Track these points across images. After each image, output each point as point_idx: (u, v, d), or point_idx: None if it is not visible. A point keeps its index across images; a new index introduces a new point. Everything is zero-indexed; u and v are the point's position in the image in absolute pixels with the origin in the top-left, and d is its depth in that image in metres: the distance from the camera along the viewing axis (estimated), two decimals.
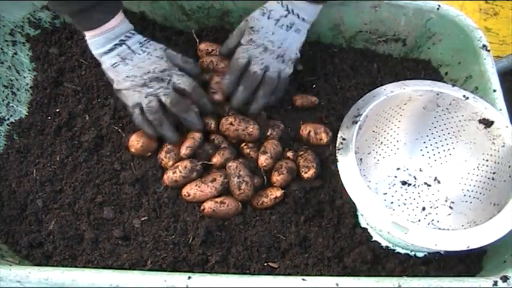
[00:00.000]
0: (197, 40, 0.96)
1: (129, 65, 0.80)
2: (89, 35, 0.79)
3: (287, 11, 0.85)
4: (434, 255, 0.76)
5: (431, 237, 0.67)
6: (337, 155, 0.75)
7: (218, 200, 0.77)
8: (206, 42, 0.96)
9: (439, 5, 0.96)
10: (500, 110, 0.83)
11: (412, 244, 0.67)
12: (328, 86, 0.96)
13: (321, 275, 0.71)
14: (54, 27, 0.97)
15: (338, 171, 0.74)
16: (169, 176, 0.78)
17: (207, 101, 0.82)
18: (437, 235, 0.67)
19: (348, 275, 0.71)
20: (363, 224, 0.79)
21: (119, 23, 0.80)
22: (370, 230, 0.78)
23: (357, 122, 0.77)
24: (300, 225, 0.79)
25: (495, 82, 0.87)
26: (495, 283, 0.66)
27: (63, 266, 0.71)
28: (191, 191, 0.77)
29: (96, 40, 0.79)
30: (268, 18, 0.85)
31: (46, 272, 0.64)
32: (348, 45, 1.04)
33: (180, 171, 0.78)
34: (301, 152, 0.84)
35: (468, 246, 0.66)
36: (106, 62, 0.80)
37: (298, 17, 0.85)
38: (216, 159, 0.81)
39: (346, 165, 0.73)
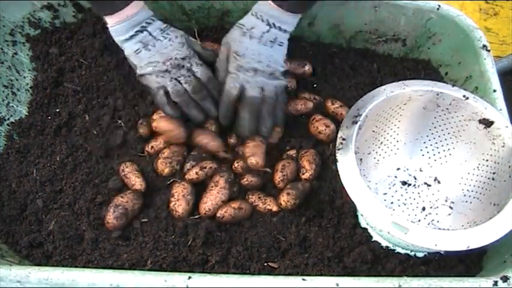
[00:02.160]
0: (198, 40, 0.96)
1: (152, 50, 0.81)
2: (111, 23, 0.80)
3: (268, 25, 0.84)
4: (434, 255, 0.76)
5: (431, 237, 0.67)
6: (337, 155, 0.75)
7: (236, 205, 0.78)
8: (207, 42, 0.96)
9: (439, 5, 0.96)
10: (500, 110, 0.83)
11: (412, 244, 0.67)
12: (328, 86, 0.96)
13: (321, 275, 0.71)
14: (54, 27, 0.97)
15: (338, 171, 0.74)
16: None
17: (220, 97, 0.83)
18: (437, 235, 0.67)
19: (348, 275, 0.71)
20: (363, 224, 0.79)
21: (139, 9, 0.81)
22: (370, 230, 0.78)
23: (356, 122, 0.77)
24: (300, 225, 0.79)
25: (495, 82, 0.87)
26: (495, 283, 0.66)
27: (63, 266, 0.70)
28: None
29: (117, 28, 0.80)
30: (250, 38, 0.83)
31: (46, 272, 0.64)
32: (348, 45, 1.04)
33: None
34: (304, 152, 0.85)
35: (468, 246, 0.66)
36: (128, 49, 0.81)
37: (280, 29, 0.84)
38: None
39: (346, 166, 0.73)
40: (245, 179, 0.81)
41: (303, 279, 0.65)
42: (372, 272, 0.74)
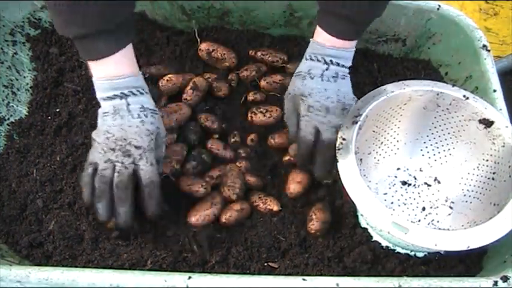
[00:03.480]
0: (198, 40, 0.96)
1: (116, 121, 0.73)
2: (95, 77, 0.74)
3: (326, 63, 0.79)
4: (435, 255, 0.76)
5: (431, 237, 0.67)
6: (337, 155, 0.75)
7: (238, 207, 0.78)
8: (207, 42, 0.96)
9: (439, 5, 0.96)
10: (500, 110, 0.83)
11: (412, 244, 0.67)
12: None
13: (321, 275, 0.71)
14: (54, 27, 0.97)
15: (338, 171, 0.74)
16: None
17: (154, 205, 0.72)
18: (437, 235, 0.67)
19: (348, 275, 0.71)
20: (363, 224, 0.79)
21: (129, 74, 0.73)
22: (370, 230, 0.78)
23: (357, 122, 0.77)
24: (300, 225, 0.79)
25: (495, 82, 0.87)
26: (495, 283, 0.66)
27: (63, 266, 0.70)
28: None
29: (99, 84, 0.73)
30: (311, 78, 0.79)
31: (46, 272, 0.64)
32: None
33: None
34: None
35: (468, 246, 0.66)
36: (101, 108, 0.75)
37: (338, 65, 0.80)
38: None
39: (346, 166, 0.73)
40: (246, 179, 0.81)
41: (303, 279, 0.65)
42: (372, 272, 0.74)
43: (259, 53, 0.97)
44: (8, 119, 0.88)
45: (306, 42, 1.01)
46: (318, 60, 0.79)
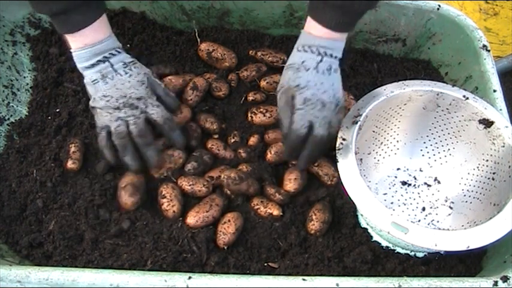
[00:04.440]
0: (198, 40, 0.96)
1: (108, 84, 0.77)
2: (73, 47, 0.76)
3: (320, 55, 0.76)
4: (434, 256, 0.76)
5: (431, 237, 0.67)
6: (337, 155, 0.75)
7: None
8: (207, 42, 0.96)
9: (439, 5, 0.96)
10: (501, 110, 0.83)
11: (412, 244, 0.67)
12: None
13: (321, 275, 0.71)
14: (54, 27, 0.97)
15: (338, 171, 0.74)
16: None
17: (179, 135, 0.81)
18: (437, 235, 0.67)
19: (348, 275, 0.71)
20: (363, 224, 0.79)
21: (105, 37, 0.77)
22: (370, 230, 0.78)
23: (357, 122, 0.77)
24: (300, 225, 0.79)
25: (495, 82, 0.88)
26: (495, 283, 0.66)
27: (63, 266, 0.70)
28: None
29: (79, 53, 0.76)
30: (307, 70, 0.76)
31: (46, 272, 0.64)
32: (348, 45, 1.03)
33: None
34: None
35: (468, 247, 0.66)
36: (87, 77, 0.78)
37: (331, 56, 0.77)
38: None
39: (346, 166, 0.73)
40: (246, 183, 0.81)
41: (303, 279, 0.65)
42: (371, 272, 0.74)
43: (259, 53, 0.97)
44: (8, 119, 0.88)
45: None
46: (312, 52, 0.77)
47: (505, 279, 0.67)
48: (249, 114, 0.90)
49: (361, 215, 0.79)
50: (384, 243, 0.76)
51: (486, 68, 0.90)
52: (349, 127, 0.77)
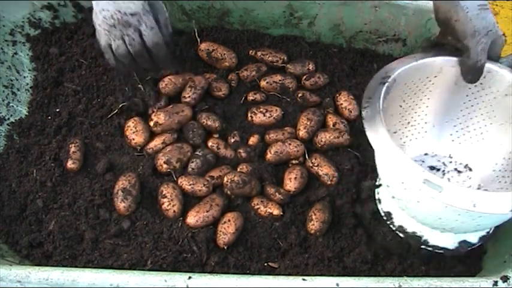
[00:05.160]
0: (198, 40, 0.96)
1: None
2: None
3: None
4: (465, 251, 0.72)
5: (469, 197, 0.58)
6: (362, 113, 0.69)
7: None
8: (207, 42, 0.96)
9: None
10: None
11: (447, 205, 0.59)
12: (328, 85, 0.97)
13: (321, 275, 0.71)
14: (54, 27, 0.97)
15: (365, 131, 0.68)
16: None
17: (168, 63, 0.81)
18: (475, 195, 0.59)
19: (348, 275, 0.71)
20: (385, 208, 0.75)
21: None
22: (394, 215, 0.73)
23: (384, 83, 0.71)
24: (300, 225, 0.79)
25: None
26: (495, 283, 0.66)
27: (63, 266, 0.70)
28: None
29: None
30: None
31: (46, 272, 0.64)
32: (348, 45, 1.04)
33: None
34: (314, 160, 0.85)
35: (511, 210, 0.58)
36: None
37: None
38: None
39: (372, 123, 0.67)
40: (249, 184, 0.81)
41: (303, 279, 0.65)
42: (371, 272, 0.74)
43: (259, 53, 0.97)
44: (8, 119, 0.88)
45: (305, 42, 1.02)
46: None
47: (505, 279, 0.67)
48: (249, 114, 0.90)
49: (387, 186, 0.72)
50: (410, 228, 0.71)
51: None
52: (375, 87, 0.72)
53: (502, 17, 1.35)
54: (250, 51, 0.98)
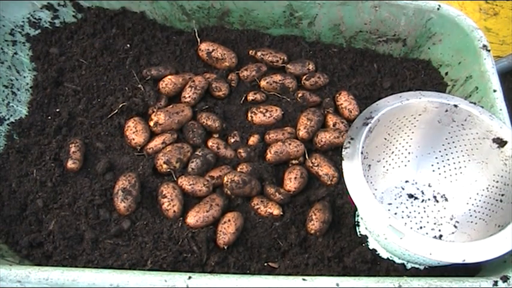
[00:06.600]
0: (198, 40, 0.96)
1: None
2: None
3: None
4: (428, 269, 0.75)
5: (426, 245, 0.65)
6: (342, 154, 0.73)
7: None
8: (207, 42, 0.96)
9: (439, 5, 0.96)
10: (501, 110, 0.83)
11: (406, 250, 0.66)
12: (328, 85, 0.97)
13: (321, 275, 0.71)
14: (54, 27, 0.97)
15: (341, 169, 0.73)
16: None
17: None
18: (433, 244, 0.65)
19: (348, 275, 0.71)
20: (363, 231, 0.78)
21: None
22: (369, 239, 0.77)
23: (367, 124, 0.75)
24: (300, 225, 0.79)
25: (495, 82, 0.87)
26: (495, 283, 0.66)
27: (63, 266, 0.70)
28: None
29: None
30: None
31: (46, 272, 0.64)
32: (348, 45, 1.04)
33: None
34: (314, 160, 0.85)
35: (464, 260, 0.64)
36: None
37: None
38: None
39: (350, 165, 0.72)
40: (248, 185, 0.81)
41: (303, 279, 0.65)
42: (371, 272, 0.74)
43: (259, 53, 0.97)
44: (8, 119, 0.88)
45: (305, 42, 1.02)
46: None
47: (505, 279, 0.67)
48: (249, 114, 0.91)
49: (361, 218, 0.78)
50: (383, 254, 0.75)
51: (486, 68, 0.90)
52: (359, 127, 0.75)
53: (502, 17, 1.35)
54: (250, 51, 0.98)
